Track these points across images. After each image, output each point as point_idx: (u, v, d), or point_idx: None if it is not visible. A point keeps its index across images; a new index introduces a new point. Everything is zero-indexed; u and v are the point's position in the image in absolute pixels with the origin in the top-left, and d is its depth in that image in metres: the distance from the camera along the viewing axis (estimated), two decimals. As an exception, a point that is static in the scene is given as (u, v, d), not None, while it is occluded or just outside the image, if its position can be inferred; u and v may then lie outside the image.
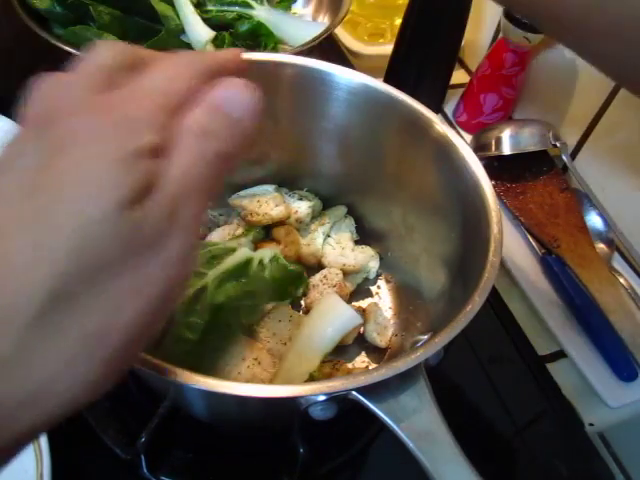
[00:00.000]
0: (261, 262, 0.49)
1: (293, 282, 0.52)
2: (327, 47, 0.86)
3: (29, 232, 0.19)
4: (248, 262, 0.49)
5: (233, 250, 0.49)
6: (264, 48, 0.74)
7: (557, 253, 0.63)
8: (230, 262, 0.48)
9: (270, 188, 0.59)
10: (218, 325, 0.46)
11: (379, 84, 0.50)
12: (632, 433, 0.57)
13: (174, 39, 0.69)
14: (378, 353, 0.52)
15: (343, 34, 0.86)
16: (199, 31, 0.67)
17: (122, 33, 0.61)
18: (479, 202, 0.43)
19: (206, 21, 0.69)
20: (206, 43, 0.67)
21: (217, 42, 0.70)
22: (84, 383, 0.20)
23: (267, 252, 0.50)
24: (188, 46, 0.70)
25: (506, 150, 0.69)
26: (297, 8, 0.85)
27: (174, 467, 0.45)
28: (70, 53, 0.60)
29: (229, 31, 0.72)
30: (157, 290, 0.21)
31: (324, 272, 0.54)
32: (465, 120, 0.80)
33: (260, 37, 0.73)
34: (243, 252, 0.49)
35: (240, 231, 0.54)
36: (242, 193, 0.59)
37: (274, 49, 0.73)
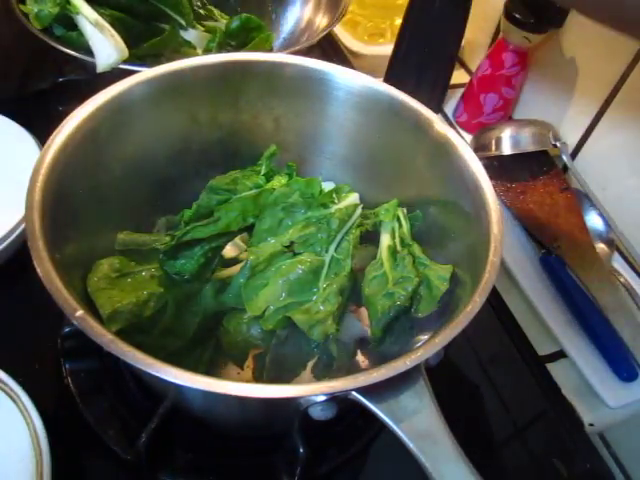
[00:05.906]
0: None
1: None
2: (327, 47, 0.87)
3: None
4: None
5: (235, 259, 0.49)
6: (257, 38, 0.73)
7: (557, 253, 0.63)
8: (229, 272, 0.48)
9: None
10: (215, 328, 0.46)
11: (379, 84, 0.50)
12: (632, 433, 0.57)
13: (175, 39, 0.69)
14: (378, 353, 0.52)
15: (343, 34, 0.86)
16: (106, 50, 0.60)
17: (124, 34, 0.61)
18: (479, 202, 0.43)
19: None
20: (114, 63, 0.59)
21: (210, 37, 0.70)
22: None
23: None
24: (189, 44, 0.70)
25: (506, 150, 0.69)
26: (296, 8, 0.85)
27: (174, 467, 0.45)
28: (69, 54, 0.61)
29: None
30: None
31: (324, 272, 0.54)
32: (465, 120, 0.80)
33: (251, 31, 0.73)
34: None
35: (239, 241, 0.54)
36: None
37: (267, 42, 0.73)
